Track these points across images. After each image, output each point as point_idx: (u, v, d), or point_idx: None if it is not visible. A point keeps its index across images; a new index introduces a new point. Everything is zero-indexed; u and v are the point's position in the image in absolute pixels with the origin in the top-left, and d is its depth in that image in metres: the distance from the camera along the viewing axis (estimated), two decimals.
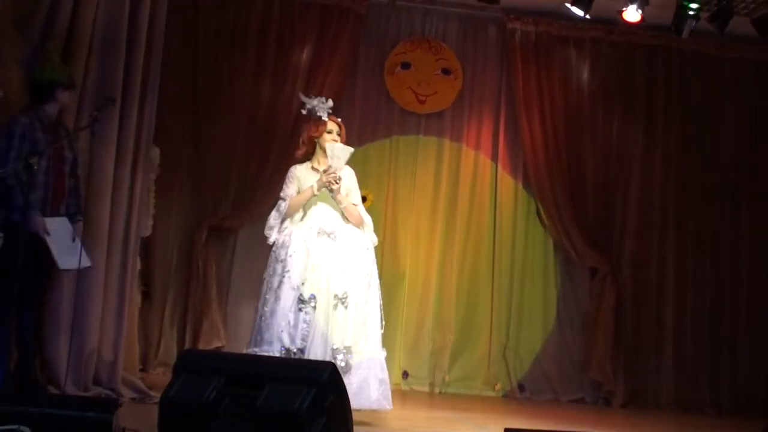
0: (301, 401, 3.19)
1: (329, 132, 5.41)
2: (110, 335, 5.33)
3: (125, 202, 5.41)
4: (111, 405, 3.56)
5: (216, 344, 6.98)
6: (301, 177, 5.40)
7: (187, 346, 6.96)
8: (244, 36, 7.33)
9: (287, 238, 5.25)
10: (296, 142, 7.11)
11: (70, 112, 5.17)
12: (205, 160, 7.21)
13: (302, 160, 5.50)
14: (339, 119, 5.52)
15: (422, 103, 7.72)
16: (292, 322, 5.02)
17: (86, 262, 4.90)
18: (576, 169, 7.70)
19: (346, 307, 5.08)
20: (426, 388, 7.40)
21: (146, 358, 6.91)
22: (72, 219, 4.96)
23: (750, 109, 7.98)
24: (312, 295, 5.05)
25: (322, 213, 5.32)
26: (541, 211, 7.70)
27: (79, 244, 4.88)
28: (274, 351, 5.00)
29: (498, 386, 7.52)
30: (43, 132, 4.85)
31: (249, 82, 7.30)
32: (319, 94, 7.23)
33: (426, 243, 7.64)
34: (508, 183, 7.79)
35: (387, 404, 5.13)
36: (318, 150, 5.43)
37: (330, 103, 5.48)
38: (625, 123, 7.86)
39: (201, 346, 6.86)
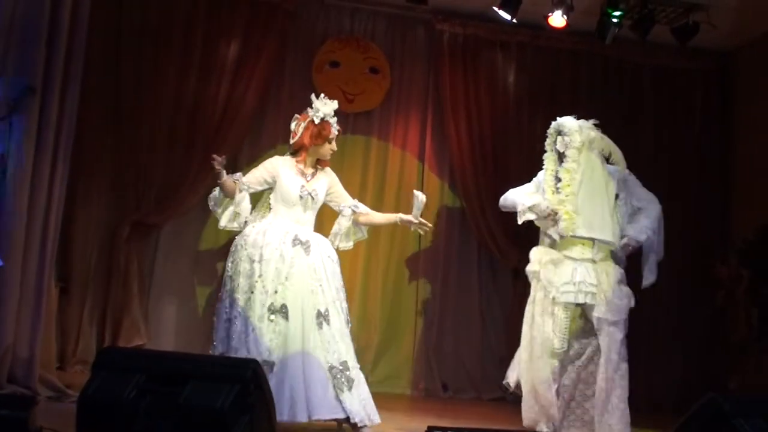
0: (224, 399, 3.15)
1: (329, 141, 5.25)
2: (26, 332, 5.18)
3: (44, 196, 5.27)
4: (27, 403, 3.47)
5: (137, 342, 6.84)
6: (283, 174, 5.19)
7: (106, 344, 6.79)
8: (169, 29, 7.20)
9: (260, 237, 5.04)
10: (221, 137, 7.14)
11: None
12: (128, 154, 7.06)
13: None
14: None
15: (350, 102, 7.71)
16: (261, 332, 4.81)
17: None
18: (501, 170, 7.80)
19: (329, 324, 4.94)
20: None
21: (64, 356, 6.72)
22: None
23: (668, 114, 8.23)
24: (284, 305, 4.87)
25: (299, 219, 5.17)
26: (466, 211, 7.78)
27: None
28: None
29: (421, 385, 7.57)
30: None
31: (174, 76, 7.16)
32: (245, 91, 7.23)
33: None
34: (434, 183, 7.84)
35: (377, 419, 5.04)
36: (309, 153, 5.25)
37: (335, 105, 5.34)
38: (549, 126, 7.97)
39: (121, 344, 6.72)
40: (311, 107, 5.36)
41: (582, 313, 5.52)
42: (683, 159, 8.18)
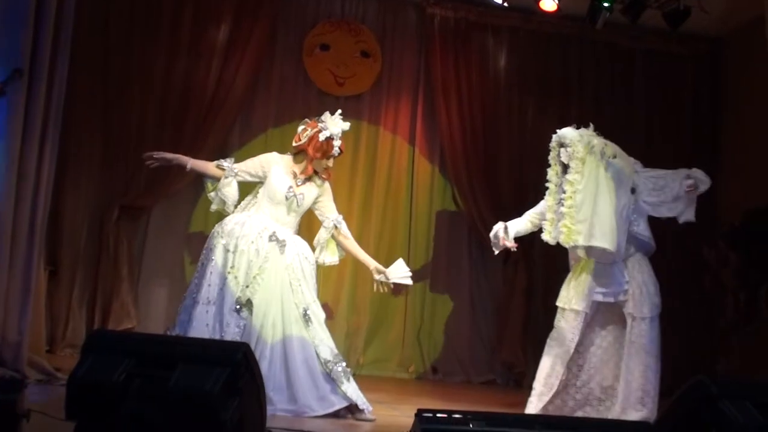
0: (213, 382, 3.15)
1: (328, 158, 5.21)
2: (15, 315, 5.15)
3: (33, 179, 5.23)
4: (15, 386, 3.46)
5: (126, 325, 6.85)
6: (274, 172, 5.16)
7: (96, 327, 6.80)
8: (158, 11, 7.17)
9: (237, 227, 5.03)
10: (211, 120, 7.11)
11: None
12: (117, 137, 7.04)
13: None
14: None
15: (341, 85, 7.70)
16: (228, 323, 4.82)
17: None
18: (491, 154, 7.81)
19: (311, 322, 4.97)
20: None
21: (53, 339, 6.72)
22: None
23: (659, 98, 8.23)
24: (249, 300, 4.88)
25: (279, 218, 5.15)
26: (457, 196, 7.78)
27: None
28: None
29: (411, 368, 7.60)
30: None
31: (163, 59, 7.15)
32: (235, 73, 7.19)
33: None
34: (425, 167, 7.85)
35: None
36: (308, 161, 5.19)
37: (346, 126, 5.27)
38: (540, 110, 8.00)
39: (111, 326, 6.72)
40: (322, 119, 5.29)
41: (611, 307, 5.47)
42: (673, 143, 8.19)
